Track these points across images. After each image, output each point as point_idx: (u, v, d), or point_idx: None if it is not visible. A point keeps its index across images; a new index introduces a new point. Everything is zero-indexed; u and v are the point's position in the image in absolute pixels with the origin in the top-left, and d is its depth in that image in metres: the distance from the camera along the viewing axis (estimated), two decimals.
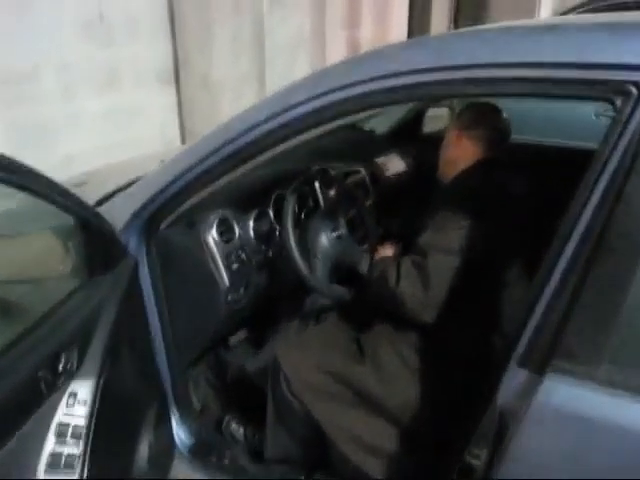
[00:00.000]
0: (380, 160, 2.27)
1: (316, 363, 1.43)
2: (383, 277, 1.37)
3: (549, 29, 0.88)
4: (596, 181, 0.82)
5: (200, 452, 1.56)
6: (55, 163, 3.08)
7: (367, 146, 2.38)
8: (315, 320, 1.71)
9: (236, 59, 3.47)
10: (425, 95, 1.02)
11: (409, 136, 2.51)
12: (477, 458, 0.94)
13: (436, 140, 2.65)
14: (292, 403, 1.45)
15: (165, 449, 1.49)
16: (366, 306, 1.69)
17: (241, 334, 1.86)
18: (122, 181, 1.63)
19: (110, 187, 1.65)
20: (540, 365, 0.85)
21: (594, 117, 3.64)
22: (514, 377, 0.89)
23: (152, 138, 3.61)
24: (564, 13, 4.94)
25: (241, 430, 1.69)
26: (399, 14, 5.81)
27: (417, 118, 2.51)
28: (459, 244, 1.29)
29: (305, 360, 1.44)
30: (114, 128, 3.37)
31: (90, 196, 1.62)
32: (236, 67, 3.47)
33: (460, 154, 1.52)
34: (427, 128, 2.55)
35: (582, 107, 3.58)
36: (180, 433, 1.58)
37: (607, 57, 0.82)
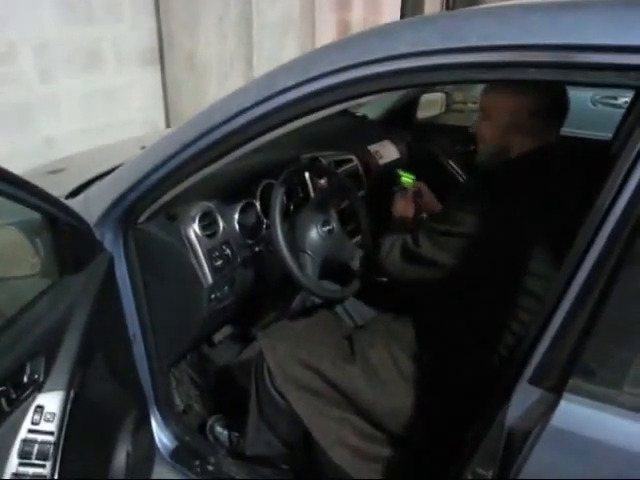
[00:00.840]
0: (373, 148, 2.18)
1: (302, 359, 1.35)
2: (400, 246, 1.35)
3: (573, 7, 0.78)
4: (621, 187, 0.73)
5: (183, 456, 1.49)
6: (34, 146, 2.98)
7: (359, 133, 2.29)
8: (305, 315, 1.63)
9: (223, 39, 3.35)
10: (433, 80, 0.92)
11: (403, 122, 2.42)
12: (482, 479, 0.87)
13: (431, 126, 2.60)
14: (275, 398, 1.38)
15: (145, 457, 1.41)
16: (362, 301, 1.62)
17: (225, 331, 1.78)
18: (101, 168, 1.54)
19: (89, 175, 1.56)
20: (555, 384, 0.78)
21: (591, 104, 3.58)
22: (525, 395, 0.81)
23: (135, 121, 3.50)
24: None
25: (225, 433, 1.62)
26: None
27: (411, 103, 2.42)
28: (491, 236, 1.19)
29: (291, 355, 1.36)
30: (95, 110, 3.26)
31: (68, 184, 1.54)
32: (223, 47, 3.35)
33: (515, 141, 1.28)
34: (422, 114, 2.46)
35: (578, 94, 3.52)
36: (162, 437, 1.51)
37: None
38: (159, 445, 1.49)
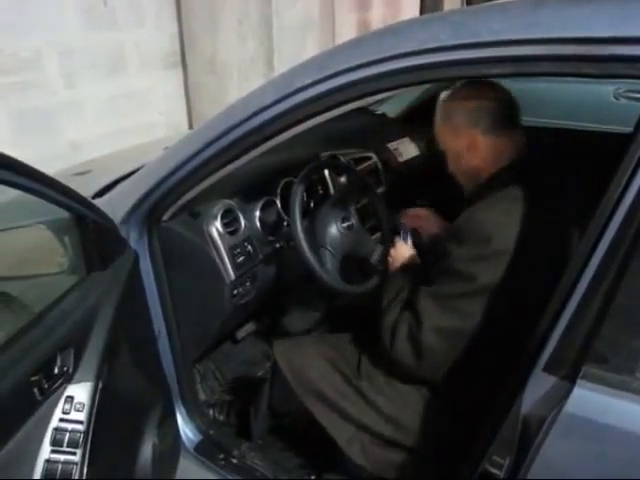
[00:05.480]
0: (392, 145, 2.19)
1: (317, 370, 1.34)
2: (407, 335, 1.17)
3: (585, 0, 0.79)
4: (632, 175, 0.73)
5: (207, 450, 1.52)
6: (60, 151, 3.04)
7: (379, 131, 2.30)
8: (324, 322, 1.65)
9: (243, 42, 3.39)
10: (446, 76, 0.93)
11: (422, 120, 2.42)
12: (498, 467, 0.88)
13: None
14: (289, 398, 1.38)
15: (170, 449, 1.44)
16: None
17: (248, 327, 1.80)
18: (126, 169, 1.58)
19: (114, 176, 1.60)
20: (569, 371, 0.79)
21: (614, 98, 3.53)
22: (540, 383, 0.82)
23: (158, 124, 3.54)
24: None
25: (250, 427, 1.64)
26: None
27: (430, 101, 2.42)
28: (490, 276, 1.08)
29: (304, 365, 1.36)
30: (119, 114, 3.31)
31: (93, 185, 1.58)
32: (243, 50, 3.38)
33: (485, 158, 1.22)
34: None
35: (600, 88, 3.47)
36: (187, 431, 1.54)
37: None
38: (184, 438, 1.53)
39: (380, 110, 2.45)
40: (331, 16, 4.33)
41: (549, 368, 0.81)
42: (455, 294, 1.12)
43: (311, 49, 3.86)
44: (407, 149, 2.24)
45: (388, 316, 1.22)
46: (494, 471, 0.88)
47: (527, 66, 0.85)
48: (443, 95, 1.29)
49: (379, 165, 2.04)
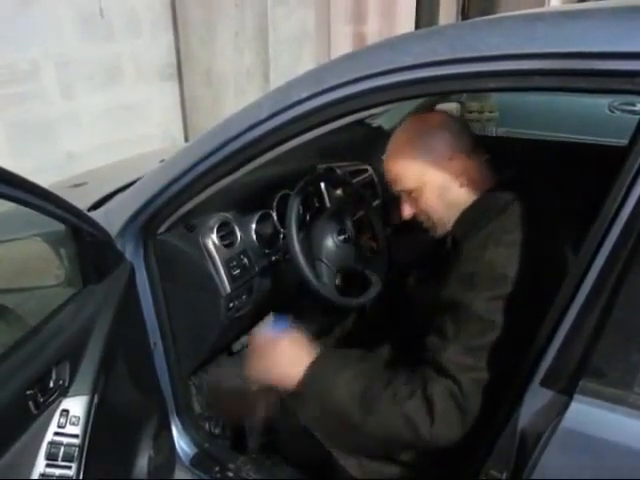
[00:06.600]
0: None
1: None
2: (406, 417, 1.03)
3: (581, 15, 0.80)
4: (629, 188, 0.74)
5: (202, 463, 1.51)
6: (56, 161, 3.04)
7: (375, 143, 2.31)
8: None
9: (239, 54, 3.41)
10: (442, 90, 0.94)
11: None
12: None
13: None
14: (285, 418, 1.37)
15: (165, 462, 1.43)
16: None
17: (244, 340, 1.79)
18: (122, 182, 1.58)
19: (110, 188, 1.60)
20: (566, 386, 0.79)
21: (608, 111, 3.57)
22: (536, 397, 0.82)
23: (155, 135, 3.56)
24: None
25: (245, 441, 1.63)
26: (407, 8, 5.70)
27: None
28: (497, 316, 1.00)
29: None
30: (116, 125, 3.32)
31: (89, 197, 1.58)
32: (239, 62, 3.41)
33: (475, 182, 1.17)
34: None
35: (594, 101, 3.50)
36: (182, 444, 1.53)
37: None
38: (179, 451, 1.52)
39: (376, 123, 2.45)
40: (326, 29, 4.37)
41: (546, 382, 0.81)
42: (487, 344, 1.01)
43: (307, 61, 3.88)
44: None
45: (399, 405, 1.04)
46: None
47: (524, 80, 0.86)
48: (403, 131, 1.23)
49: (375, 178, 2.05)
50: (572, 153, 1.89)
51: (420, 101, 2.34)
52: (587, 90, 0.84)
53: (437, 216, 1.20)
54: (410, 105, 2.40)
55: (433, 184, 1.17)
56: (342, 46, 4.76)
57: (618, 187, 0.75)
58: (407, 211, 1.23)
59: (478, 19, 0.90)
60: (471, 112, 3.02)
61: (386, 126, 2.49)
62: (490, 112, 3.16)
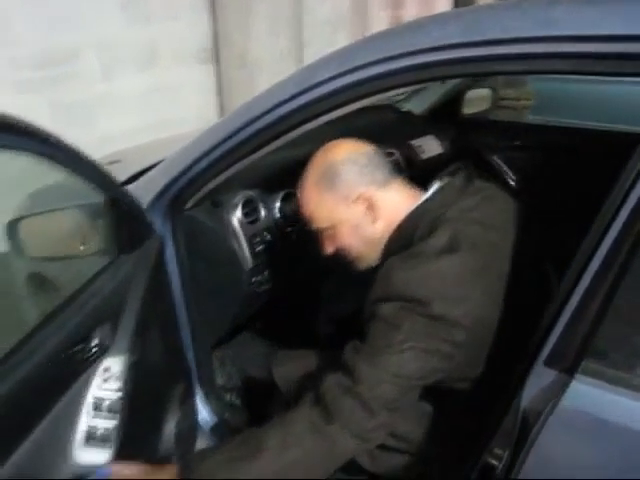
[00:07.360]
0: (416, 142, 2.20)
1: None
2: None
3: None
4: (636, 178, 0.75)
5: (223, 433, 1.56)
6: (94, 142, 3.10)
7: (403, 127, 2.31)
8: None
9: (275, 38, 3.43)
10: (459, 73, 0.95)
11: (448, 118, 2.43)
12: (498, 458, 0.90)
13: (477, 122, 2.58)
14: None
15: (190, 428, 1.50)
16: None
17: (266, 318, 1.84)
18: (153, 160, 1.63)
19: (141, 165, 1.65)
20: (569, 366, 0.80)
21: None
22: (540, 376, 0.83)
23: (190, 118, 3.60)
24: None
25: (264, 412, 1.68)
26: None
27: (456, 98, 2.43)
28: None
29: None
30: (153, 108, 3.38)
31: (122, 174, 1.63)
32: (274, 45, 3.43)
33: (388, 215, 1.15)
34: (467, 109, 2.46)
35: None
36: (203, 413, 1.59)
37: None
38: (201, 420, 1.58)
39: (406, 107, 2.46)
40: (363, 13, 4.35)
41: (550, 362, 0.83)
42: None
43: (341, 45, 3.88)
44: (430, 147, 2.25)
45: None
46: (493, 462, 0.90)
47: (541, 64, 0.86)
48: (312, 167, 1.20)
49: (401, 161, 2.05)
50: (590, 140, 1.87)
51: (451, 86, 2.34)
52: (605, 74, 0.84)
53: (356, 252, 1.19)
54: (440, 90, 2.40)
55: (344, 223, 1.16)
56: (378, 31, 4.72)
57: (626, 173, 0.76)
58: (329, 248, 1.22)
59: (497, 3, 0.91)
60: (503, 99, 2.98)
61: (415, 110, 2.49)
62: (527, 100, 3.10)
